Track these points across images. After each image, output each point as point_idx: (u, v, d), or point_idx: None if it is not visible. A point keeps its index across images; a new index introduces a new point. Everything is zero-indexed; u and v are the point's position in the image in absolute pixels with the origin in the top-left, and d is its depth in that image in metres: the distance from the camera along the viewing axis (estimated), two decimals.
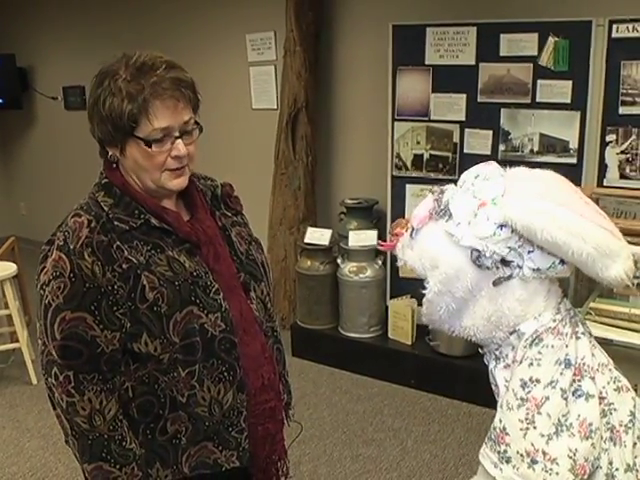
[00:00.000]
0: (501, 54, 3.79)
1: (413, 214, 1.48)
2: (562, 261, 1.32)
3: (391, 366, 4.11)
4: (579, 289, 2.17)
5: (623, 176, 3.60)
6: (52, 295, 1.42)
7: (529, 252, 1.34)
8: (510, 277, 1.35)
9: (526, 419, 1.26)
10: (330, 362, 4.32)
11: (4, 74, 6.67)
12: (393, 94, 4.13)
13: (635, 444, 1.31)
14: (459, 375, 3.81)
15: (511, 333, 1.39)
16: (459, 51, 3.91)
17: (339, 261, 4.29)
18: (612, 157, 3.62)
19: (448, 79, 3.96)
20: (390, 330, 4.21)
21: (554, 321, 1.35)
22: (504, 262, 1.34)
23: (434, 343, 3.94)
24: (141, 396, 1.50)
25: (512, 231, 1.33)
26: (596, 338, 1.97)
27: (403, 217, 1.52)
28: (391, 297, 4.25)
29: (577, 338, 1.34)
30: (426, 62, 4.00)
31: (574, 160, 3.70)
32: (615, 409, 1.30)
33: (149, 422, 1.51)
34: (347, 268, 4.22)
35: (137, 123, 1.42)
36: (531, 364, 1.31)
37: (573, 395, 1.27)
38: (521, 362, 1.33)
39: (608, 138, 3.62)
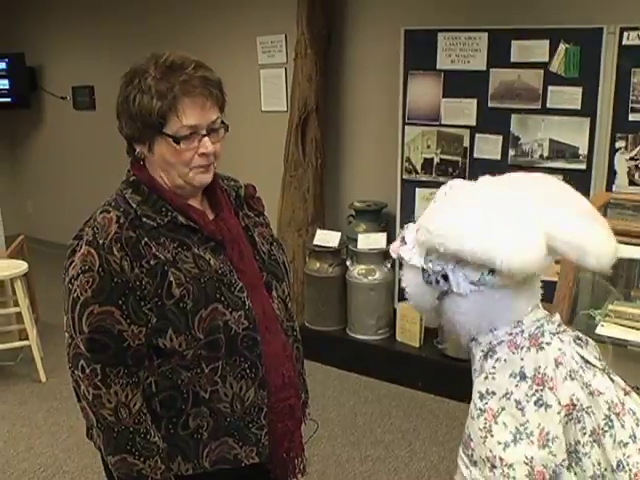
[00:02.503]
0: (512, 60, 3.82)
1: (391, 248, 1.53)
2: (491, 271, 1.33)
3: (399, 368, 4.13)
4: (596, 292, 2.20)
5: (632, 182, 3.63)
6: (80, 289, 1.44)
7: (459, 266, 1.36)
8: (447, 291, 1.38)
9: (484, 428, 1.31)
10: (338, 364, 4.34)
11: (14, 73, 6.73)
12: (404, 98, 4.16)
13: (627, 444, 1.34)
14: (466, 378, 3.79)
15: (471, 340, 1.43)
16: (470, 56, 3.93)
17: (348, 263, 4.31)
18: (621, 164, 3.65)
19: (459, 84, 3.99)
20: (398, 332, 4.24)
21: (510, 334, 1.37)
22: (445, 277, 1.37)
23: (442, 346, 3.96)
24: (164, 391, 1.52)
25: (437, 253, 1.36)
26: (615, 339, 2.01)
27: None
28: (399, 300, 4.27)
29: (540, 349, 1.35)
30: (437, 67, 4.04)
31: (583, 166, 3.73)
32: (593, 412, 1.33)
33: (172, 417, 1.53)
34: (356, 270, 4.24)
35: (166, 120, 1.45)
36: (486, 377, 1.35)
37: (535, 405, 1.30)
38: (479, 374, 1.38)
39: (618, 145, 3.64)
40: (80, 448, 3.39)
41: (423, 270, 1.39)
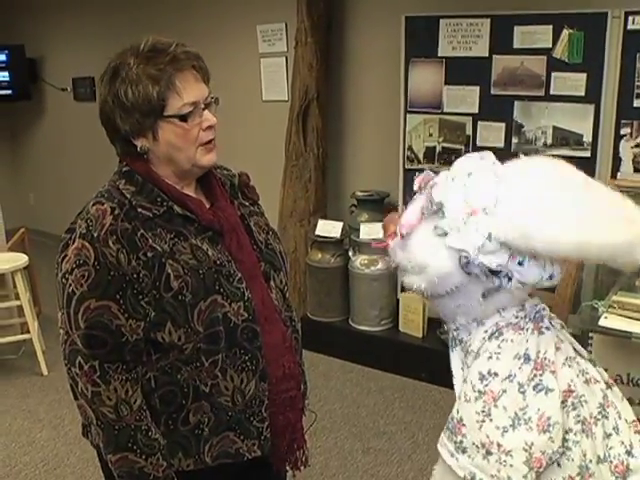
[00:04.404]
0: (515, 46, 3.77)
1: (403, 219, 1.45)
2: (550, 277, 1.31)
3: (402, 359, 4.10)
4: (600, 283, 2.17)
5: (637, 170, 3.59)
6: (76, 283, 1.40)
7: (519, 264, 1.32)
8: (499, 288, 1.35)
9: (482, 411, 1.28)
10: (340, 355, 4.32)
11: (14, 65, 6.68)
12: (405, 86, 4.12)
13: (610, 435, 1.32)
14: None
15: (473, 321, 1.41)
16: (472, 43, 3.89)
17: (350, 254, 4.28)
18: (626, 150, 3.61)
19: (461, 71, 3.95)
20: (401, 323, 4.21)
21: (516, 317, 1.36)
22: (492, 272, 1.32)
23: (445, 336, 3.93)
24: (164, 386, 1.49)
25: (501, 244, 1.31)
26: (617, 330, 1.97)
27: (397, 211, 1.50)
28: (402, 290, 4.24)
29: (540, 333, 1.34)
30: (439, 54, 3.99)
31: (588, 153, 3.69)
32: (586, 401, 1.31)
33: (171, 412, 1.50)
34: (358, 261, 4.21)
35: (166, 102, 1.43)
36: (490, 357, 1.33)
37: (534, 389, 1.28)
38: (480, 355, 1.34)
39: (622, 131, 3.60)
40: (82, 441, 3.34)
41: (464, 258, 1.32)
